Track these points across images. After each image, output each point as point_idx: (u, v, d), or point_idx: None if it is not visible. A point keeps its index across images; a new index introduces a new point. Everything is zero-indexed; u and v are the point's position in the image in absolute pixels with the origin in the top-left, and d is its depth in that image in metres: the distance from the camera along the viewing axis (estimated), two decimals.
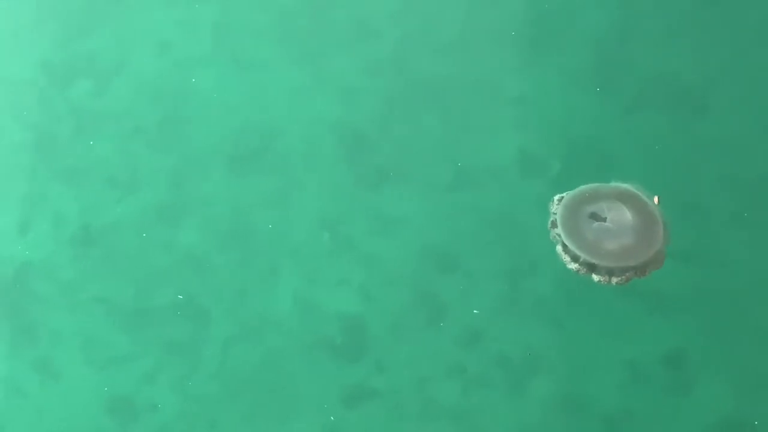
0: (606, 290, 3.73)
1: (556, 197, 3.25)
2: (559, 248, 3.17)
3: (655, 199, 3.16)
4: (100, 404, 3.70)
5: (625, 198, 3.18)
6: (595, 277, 3.19)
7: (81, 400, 3.70)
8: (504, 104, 3.88)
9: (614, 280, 3.18)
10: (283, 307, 3.73)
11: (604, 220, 3.13)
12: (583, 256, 3.13)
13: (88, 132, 3.85)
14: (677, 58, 3.93)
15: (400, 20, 3.95)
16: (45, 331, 3.72)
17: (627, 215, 3.09)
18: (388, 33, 3.93)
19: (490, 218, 3.80)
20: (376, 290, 3.76)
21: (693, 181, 3.76)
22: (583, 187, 3.28)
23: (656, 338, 3.70)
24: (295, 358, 3.71)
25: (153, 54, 3.91)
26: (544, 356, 3.70)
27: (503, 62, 3.90)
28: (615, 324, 3.73)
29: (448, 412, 3.68)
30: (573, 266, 3.19)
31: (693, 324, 3.65)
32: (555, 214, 3.26)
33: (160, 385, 3.70)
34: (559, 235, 3.16)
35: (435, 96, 3.88)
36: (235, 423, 3.68)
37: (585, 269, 3.17)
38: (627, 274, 3.16)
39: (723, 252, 3.68)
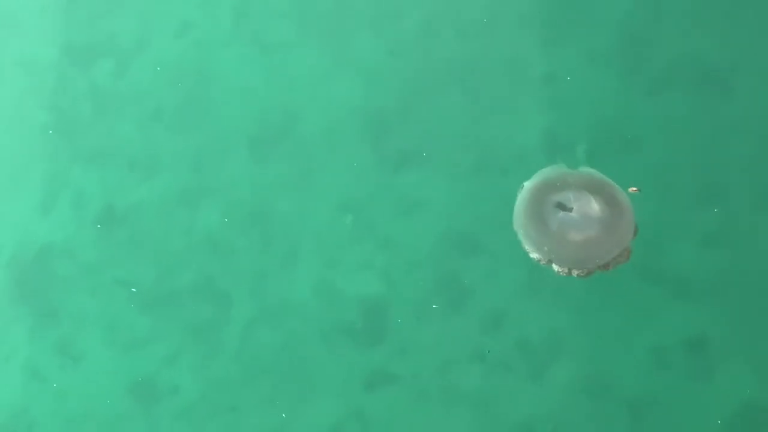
0: (629, 274, 3.75)
1: (525, 183, 3.17)
2: (521, 235, 3.07)
3: (633, 189, 3.07)
4: (122, 387, 3.76)
5: (593, 188, 3.07)
6: (556, 268, 3.10)
7: (102, 382, 3.76)
8: (528, 86, 3.87)
9: (575, 272, 3.10)
10: (304, 290, 3.76)
11: (570, 210, 2.99)
12: (545, 245, 2.97)
13: (109, 113, 3.89)
14: (703, 38, 3.90)
15: (424, 1, 3.93)
16: (66, 314, 3.77)
17: (594, 206, 2.99)
18: (411, 14, 3.93)
19: (514, 201, 3.80)
20: (397, 274, 3.78)
21: (718, 162, 3.76)
22: (551, 175, 3.16)
23: (679, 323, 3.71)
24: (316, 341, 3.75)
25: (174, 35, 3.93)
26: (566, 341, 3.72)
27: (527, 43, 3.89)
28: (637, 309, 3.74)
29: (470, 397, 3.70)
30: (535, 256, 3.10)
31: (716, 308, 3.65)
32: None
33: (181, 368, 3.76)
34: (523, 224, 3.04)
35: (458, 78, 3.88)
36: (256, 406, 3.74)
37: (547, 260, 3.08)
38: (589, 266, 3.06)
39: (747, 235, 3.68)
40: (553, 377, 3.70)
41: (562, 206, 2.99)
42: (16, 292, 3.77)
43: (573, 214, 2.97)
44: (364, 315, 3.74)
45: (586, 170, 3.10)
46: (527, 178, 3.80)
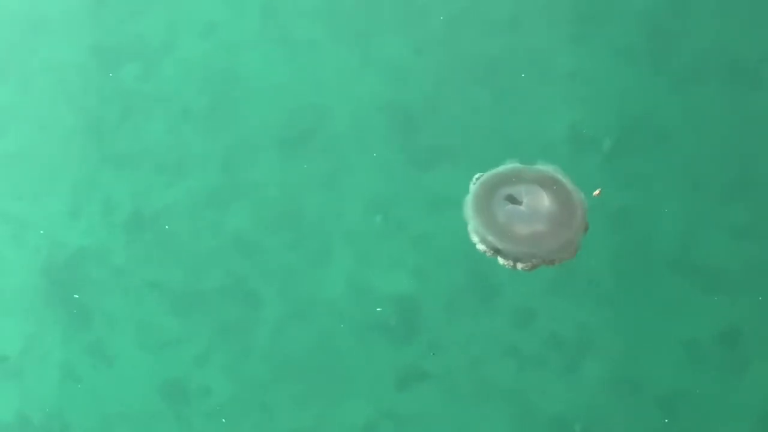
0: (660, 268, 3.80)
1: (478, 175, 3.19)
2: (470, 227, 3.09)
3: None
4: (154, 388, 3.85)
5: (547, 183, 3.09)
6: (501, 260, 3.12)
7: (134, 383, 3.86)
8: (555, 81, 3.95)
9: (519, 265, 3.11)
10: (335, 289, 3.84)
11: (520, 203, 3.02)
12: (491, 237, 3.01)
13: (137, 115, 3.98)
14: (731, 31, 3.97)
15: None
16: (98, 316, 3.87)
17: (544, 201, 3.02)
18: (438, 11, 4.00)
19: None
20: (428, 271, 3.85)
21: (747, 155, 3.82)
22: (506, 168, 3.19)
23: (711, 317, 3.79)
24: (347, 340, 3.83)
25: (201, 35, 4.01)
26: (598, 336, 3.77)
27: (554, 39, 3.96)
28: (669, 302, 3.81)
29: (502, 393, 3.77)
30: (481, 247, 3.12)
31: (749, 301, 3.73)
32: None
33: (213, 368, 3.84)
34: (472, 215, 3.05)
35: (485, 74, 3.95)
36: (287, 405, 3.83)
37: (492, 251, 3.10)
38: (534, 260, 3.08)
39: None
40: (585, 372, 3.78)
41: (512, 199, 3.03)
42: (50, 294, 3.87)
43: (522, 208, 3.00)
44: (396, 312, 3.81)
45: (544, 167, 3.12)
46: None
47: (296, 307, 3.84)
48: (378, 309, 3.76)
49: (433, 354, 3.79)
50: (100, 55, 4.01)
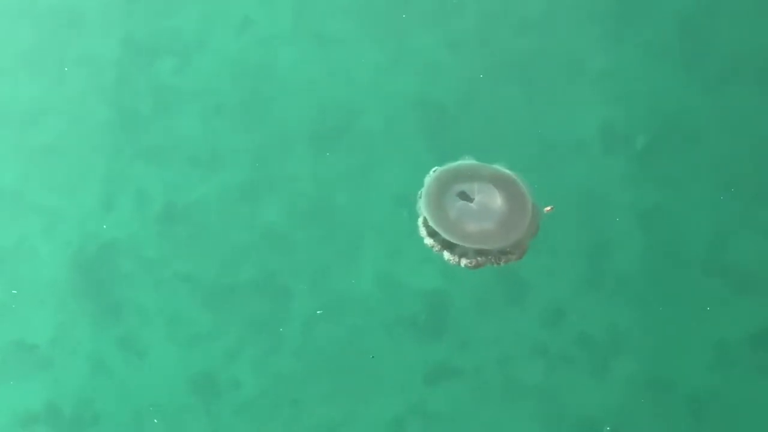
0: (691, 269, 3.84)
1: (434, 169, 3.19)
2: (420, 221, 3.11)
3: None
4: (184, 381, 3.93)
5: (501, 183, 3.08)
6: (447, 256, 3.12)
7: (165, 377, 3.93)
8: (588, 79, 4.01)
9: (464, 262, 3.10)
10: (365, 284, 3.92)
11: (472, 200, 3.06)
12: (439, 232, 3.05)
13: (170, 110, 4.05)
14: (765, 32, 4.01)
15: None
16: (129, 309, 3.94)
17: (496, 201, 3.01)
18: (471, 8, 4.07)
19: (573, 195, 3.94)
20: (458, 268, 3.88)
21: None
22: (462, 164, 3.20)
23: (744, 318, 3.84)
24: (377, 335, 3.89)
25: (235, 31, 4.08)
26: (628, 336, 3.82)
27: (587, 37, 4.03)
28: (701, 303, 3.86)
29: (531, 391, 3.83)
30: (428, 241, 3.14)
31: None
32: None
33: (243, 363, 3.92)
34: (423, 208, 3.06)
35: (518, 72, 4.02)
36: (317, 401, 3.89)
37: (440, 246, 3.11)
38: (479, 258, 3.08)
39: None
40: (614, 372, 3.84)
41: (464, 196, 3.05)
42: (81, 287, 3.95)
43: (473, 205, 3.02)
44: (427, 308, 3.87)
45: (501, 167, 3.14)
46: (588, 171, 3.92)
47: (327, 302, 3.91)
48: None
49: (372, 357, 3.87)
50: (135, 49, 4.09)
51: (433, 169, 3.17)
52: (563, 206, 3.90)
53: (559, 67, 4.03)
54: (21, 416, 3.87)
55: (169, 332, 3.91)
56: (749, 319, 3.82)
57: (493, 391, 3.85)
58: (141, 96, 4.07)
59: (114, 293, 3.94)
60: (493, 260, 3.09)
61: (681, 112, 3.97)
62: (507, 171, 3.12)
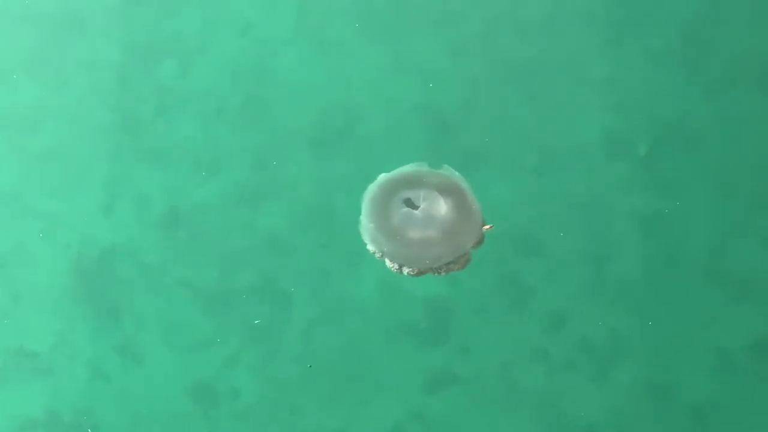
0: (693, 276, 3.88)
1: (381, 175, 3.20)
2: (363, 227, 3.11)
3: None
4: (182, 388, 3.96)
5: (447, 191, 3.11)
6: (388, 263, 3.14)
7: (163, 384, 3.97)
8: (590, 86, 4.05)
9: (405, 269, 3.13)
10: (366, 290, 3.95)
11: (416, 208, 3.08)
12: (382, 238, 3.07)
13: (171, 113, 4.09)
14: (766, 38, 4.04)
15: (485, 1, 4.10)
16: (129, 314, 3.95)
17: (441, 208, 3.03)
18: (473, 14, 4.11)
19: (575, 201, 3.98)
20: (460, 274, 3.91)
21: None
22: (409, 170, 3.22)
23: (743, 326, 3.88)
24: (377, 341, 3.91)
25: (236, 35, 4.12)
26: (629, 342, 3.87)
27: (589, 43, 4.07)
28: (702, 310, 3.89)
29: (532, 397, 3.85)
30: (371, 248, 3.15)
31: None
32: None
33: (241, 370, 3.93)
34: (367, 214, 3.09)
35: (520, 78, 4.06)
36: (317, 408, 3.93)
37: (381, 253, 3.13)
38: (421, 266, 3.10)
39: None
40: (615, 378, 3.88)
41: (409, 203, 3.06)
42: (80, 292, 3.98)
43: (417, 212, 3.02)
44: (428, 315, 3.90)
45: (450, 173, 3.14)
46: (589, 178, 3.96)
47: (327, 308, 3.94)
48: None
49: (310, 366, 3.90)
50: (136, 53, 4.13)
51: (381, 175, 3.17)
52: (564, 212, 3.96)
53: (560, 73, 4.08)
54: (20, 422, 3.90)
55: (168, 338, 3.94)
56: (750, 327, 3.86)
57: (493, 397, 3.89)
58: (142, 99, 4.10)
59: (113, 299, 3.97)
60: (435, 268, 3.10)
61: (682, 119, 4.01)
62: (456, 179, 3.11)
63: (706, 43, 4.08)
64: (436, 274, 3.11)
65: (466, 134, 4.05)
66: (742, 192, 3.95)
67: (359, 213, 3.96)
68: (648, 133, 4.03)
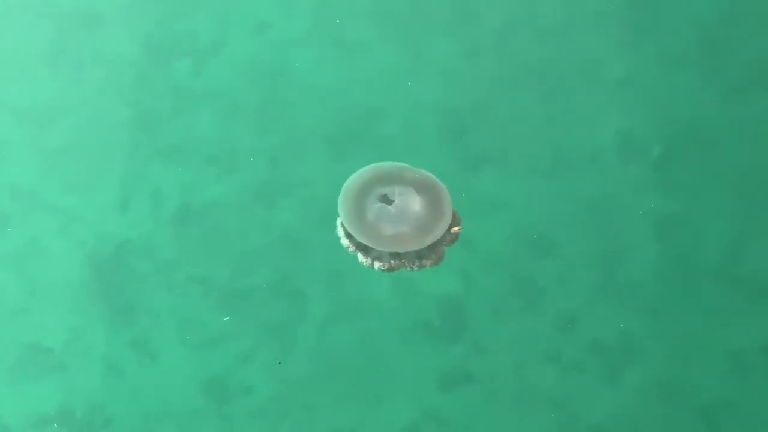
0: (705, 277, 3.92)
1: (360, 170, 3.24)
2: (339, 220, 3.14)
3: (455, 229, 3.15)
4: (196, 385, 3.98)
5: (423, 189, 3.11)
6: (361, 258, 3.17)
7: (177, 380, 4.00)
8: (605, 88, 4.11)
9: (377, 264, 3.15)
10: (380, 289, 4.00)
11: (391, 203, 3.09)
12: (355, 232, 3.07)
13: (187, 111, 4.14)
14: None
15: (502, 3, 4.16)
16: (143, 310, 3.98)
17: (416, 206, 3.05)
18: (490, 16, 4.17)
19: (589, 203, 4.04)
20: (474, 273, 3.98)
21: None
22: (386, 166, 3.25)
23: (757, 327, 3.94)
24: (392, 340, 3.96)
25: (252, 33, 4.17)
26: (641, 344, 3.90)
27: (604, 45, 4.13)
28: (714, 312, 3.94)
29: (545, 398, 3.88)
30: (344, 241, 3.18)
31: None
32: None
33: (255, 367, 3.97)
34: (343, 209, 3.09)
35: (536, 79, 4.12)
36: (330, 405, 3.96)
37: (355, 247, 3.16)
38: (392, 262, 3.13)
39: None
40: (627, 380, 3.93)
41: (385, 199, 3.08)
42: (95, 287, 4.02)
43: (391, 208, 3.05)
44: (442, 314, 3.94)
45: (425, 173, 3.16)
46: (603, 179, 4.01)
47: (341, 307, 3.98)
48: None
49: (279, 362, 3.95)
50: (153, 50, 4.18)
51: (358, 171, 3.20)
52: (578, 213, 4.01)
53: (575, 74, 4.13)
54: (34, 418, 3.93)
55: (182, 335, 3.97)
56: (762, 328, 3.90)
57: (506, 397, 3.92)
58: (158, 97, 4.15)
59: (128, 295, 4.00)
60: (407, 265, 3.15)
61: (697, 121, 4.07)
62: (432, 177, 3.13)
63: (722, 45, 4.13)
64: (408, 270, 3.14)
65: (481, 134, 4.10)
66: (755, 194, 4.00)
67: None
68: (662, 135, 4.09)
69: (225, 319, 3.95)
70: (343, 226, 3.11)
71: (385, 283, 4.00)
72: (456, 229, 3.13)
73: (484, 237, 4.01)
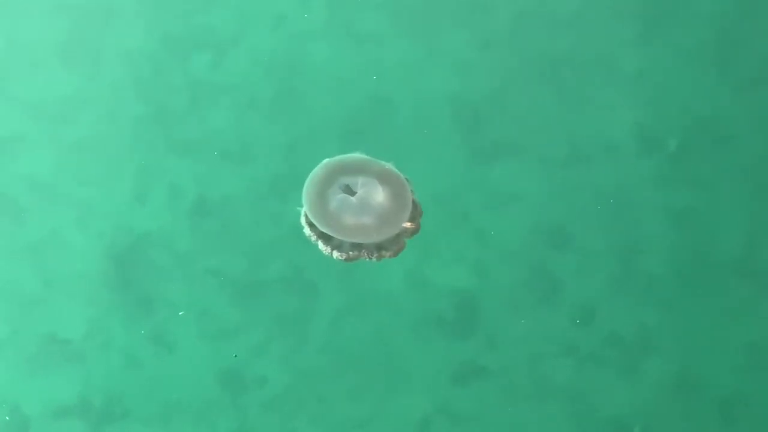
0: (722, 271, 3.93)
1: (325, 160, 3.24)
2: (303, 210, 3.16)
3: (407, 224, 3.16)
4: (212, 376, 4.05)
5: (386, 181, 3.12)
6: (322, 246, 3.19)
7: (193, 371, 4.08)
8: (621, 80, 4.13)
9: (336, 254, 3.18)
10: (393, 281, 4.05)
11: (354, 194, 3.10)
12: (317, 222, 3.09)
13: (204, 104, 4.20)
14: None
15: None
16: (161, 302, 4.05)
17: (378, 197, 3.06)
18: (504, 7, 4.19)
19: (605, 195, 4.05)
20: (489, 266, 4.03)
21: None
22: (352, 157, 3.25)
23: None
24: (405, 333, 4.01)
25: (269, 27, 4.22)
26: (658, 337, 3.92)
27: (620, 38, 4.15)
28: (732, 305, 3.97)
29: (560, 391, 3.92)
30: (306, 231, 3.20)
31: None
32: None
33: (270, 359, 4.03)
34: (307, 198, 3.10)
35: (551, 71, 4.15)
36: (343, 398, 4.02)
37: (317, 236, 3.18)
38: (352, 252, 3.14)
39: None
40: (644, 373, 3.96)
41: (348, 189, 3.11)
42: (113, 279, 4.10)
43: (353, 199, 3.08)
44: (456, 307, 3.98)
45: (389, 165, 3.19)
46: (619, 172, 4.03)
47: (355, 300, 4.03)
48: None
49: (235, 356, 4.01)
50: (170, 44, 4.24)
51: (325, 161, 3.24)
52: (594, 206, 4.03)
53: (590, 67, 4.16)
54: (53, 408, 4.02)
55: (198, 327, 4.04)
56: None
57: (521, 390, 3.97)
58: (175, 90, 4.22)
59: (145, 287, 4.07)
60: (367, 255, 3.19)
61: (713, 114, 4.09)
62: (395, 171, 3.17)
63: (738, 38, 4.14)
64: (368, 260, 3.18)
65: (496, 127, 4.14)
66: None
67: None
68: (678, 128, 4.11)
69: (180, 313, 4.03)
70: (306, 215, 3.18)
71: (398, 276, 4.05)
72: (408, 224, 3.15)
73: (498, 229, 4.05)
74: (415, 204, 3.17)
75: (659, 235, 4.03)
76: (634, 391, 3.95)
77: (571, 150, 4.12)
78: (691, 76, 4.15)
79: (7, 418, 4.08)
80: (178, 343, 4.08)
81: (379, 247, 3.16)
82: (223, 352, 4.07)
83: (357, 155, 3.24)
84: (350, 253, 3.16)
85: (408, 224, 3.17)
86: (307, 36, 4.27)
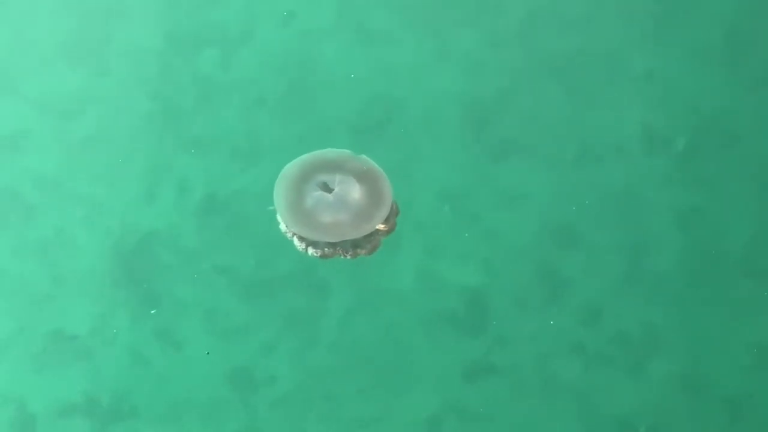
0: (730, 270, 3.97)
1: (301, 156, 3.27)
2: (276, 206, 3.16)
3: (381, 226, 3.18)
4: (220, 374, 4.06)
5: (364, 179, 3.14)
6: (297, 243, 3.20)
7: (201, 369, 4.09)
8: (630, 80, 4.16)
9: (311, 251, 3.19)
10: (404, 279, 4.07)
11: (330, 191, 3.12)
12: (292, 219, 3.10)
13: (212, 102, 4.21)
14: None
15: None
16: (168, 300, 4.06)
17: (355, 195, 3.09)
18: (514, 7, 4.22)
19: (613, 195, 4.08)
20: (498, 264, 4.06)
21: None
22: (328, 153, 3.26)
23: None
24: (415, 331, 4.03)
25: (278, 24, 4.23)
26: (665, 336, 3.95)
27: (630, 37, 4.19)
28: (738, 305, 4.01)
29: (568, 390, 3.95)
30: (282, 227, 3.22)
31: None
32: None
33: (279, 357, 4.04)
34: (282, 194, 3.13)
35: (560, 71, 4.18)
36: (352, 396, 4.04)
37: (292, 233, 3.19)
38: (327, 249, 3.16)
39: None
40: (651, 372, 4.00)
41: (324, 186, 3.11)
42: (120, 276, 4.11)
43: (330, 196, 3.08)
44: (465, 305, 4.00)
45: (368, 161, 3.18)
46: (627, 171, 4.06)
47: (364, 298, 4.05)
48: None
49: (208, 353, 4.02)
50: (178, 41, 4.26)
51: (299, 157, 3.24)
52: (603, 205, 4.07)
53: (599, 67, 4.20)
54: (60, 406, 4.03)
55: (206, 325, 4.06)
56: None
57: (530, 389, 4.00)
58: (183, 88, 4.24)
59: (153, 284, 4.08)
60: (342, 252, 3.19)
61: (722, 114, 4.13)
62: (374, 166, 3.16)
63: (746, 37, 4.18)
64: (343, 258, 3.19)
65: (505, 125, 4.17)
66: None
67: (398, 202, 4.06)
68: (687, 128, 4.15)
69: (152, 311, 4.04)
70: (280, 211, 3.18)
71: (407, 274, 4.07)
72: (382, 226, 3.15)
73: (507, 228, 4.08)
74: (393, 202, 3.16)
75: (667, 234, 4.06)
76: (641, 389, 3.98)
77: (580, 149, 4.15)
78: (700, 76, 4.18)
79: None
80: (186, 342, 4.07)
81: (355, 245, 3.17)
82: (232, 351, 4.08)
83: (333, 150, 3.23)
84: (325, 250, 3.16)
85: (381, 226, 3.16)
86: (316, 34, 4.29)
